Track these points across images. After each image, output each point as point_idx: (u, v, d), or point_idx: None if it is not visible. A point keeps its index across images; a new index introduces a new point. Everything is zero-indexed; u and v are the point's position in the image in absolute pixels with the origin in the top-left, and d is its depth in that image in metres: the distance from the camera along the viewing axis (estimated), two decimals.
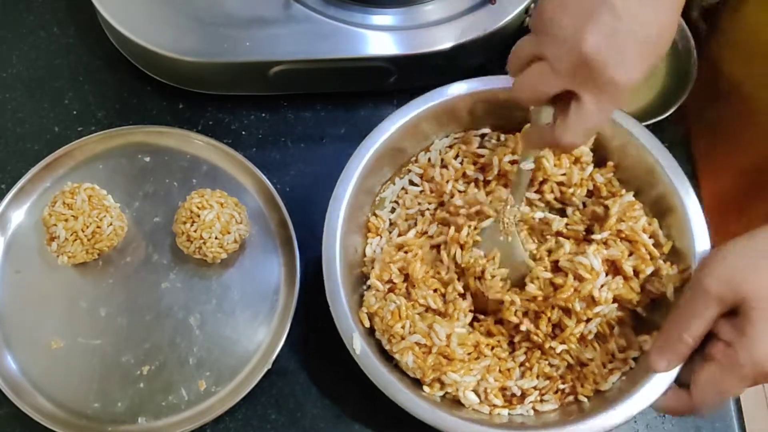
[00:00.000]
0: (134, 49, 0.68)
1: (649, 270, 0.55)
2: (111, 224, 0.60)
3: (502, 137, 0.62)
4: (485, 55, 0.67)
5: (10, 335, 0.60)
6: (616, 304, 0.55)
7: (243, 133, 0.69)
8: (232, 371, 0.59)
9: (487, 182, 0.61)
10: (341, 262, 0.56)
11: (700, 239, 0.55)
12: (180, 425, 0.57)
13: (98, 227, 0.59)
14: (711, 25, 0.70)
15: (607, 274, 0.55)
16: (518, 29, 0.70)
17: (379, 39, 0.66)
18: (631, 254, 0.56)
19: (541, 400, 0.55)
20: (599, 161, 0.60)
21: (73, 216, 0.59)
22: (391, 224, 0.62)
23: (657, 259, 0.56)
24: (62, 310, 0.61)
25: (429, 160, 0.63)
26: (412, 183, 0.63)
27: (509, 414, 0.55)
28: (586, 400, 0.55)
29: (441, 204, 0.61)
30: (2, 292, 0.61)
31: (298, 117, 0.70)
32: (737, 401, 0.60)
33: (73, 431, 0.57)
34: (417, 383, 0.55)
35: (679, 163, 0.62)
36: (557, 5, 0.46)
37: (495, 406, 0.55)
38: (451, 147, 0.63)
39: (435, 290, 0.58)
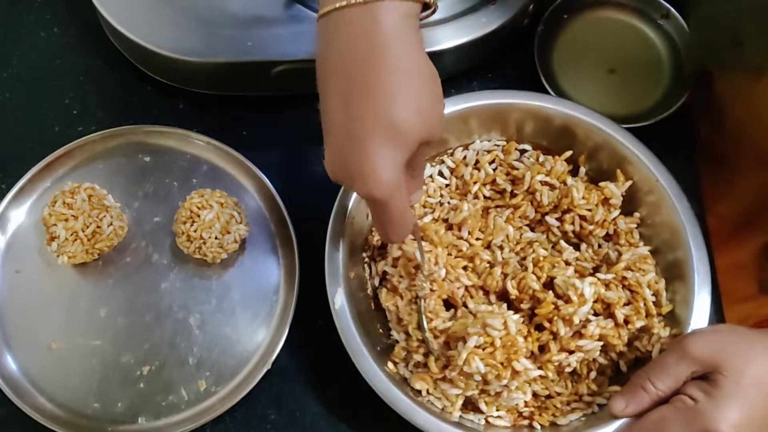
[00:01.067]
0: (134, 49, 0.68)
1: (640, 324, 0.55)
2: (111, 224, 0.60)
3: (542, 158, 0.62)
4: (485, 55, 0.67)
5: (10, 335, 0.60)
6: (601, 342, 0.55)
7: (243, 133, 0.69)
8: (232, 371, 0.59)
9: (513, 195, 0.61)
10: (349, 221, 0.56)
11: (700, 314, 0.55)
12: (180, 425, 0.57)
13: (98, 227, 0.59)
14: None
15: (598, 314, 0.56)
16: (518, 29, 0.70)
17: None
18: (627, 304, 0.56)
19: (498, 416, 0.55)
20: (628, 212, 0.60)
21: (73, 216, 0.59)
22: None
23: (653, 317, 0.56)
24: (62, 310, 0.61)
25: (465, 157, 0.63)
26: (441, 174, 0.63)
27: (461, 416, 0.55)
28: (539, 427, 0.55)
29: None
30: (2, 292, 0.61)
31: (298, 117, 0.70)
32: None
33: (73, 431, 0.57)
34: (384, 356, 0.56)
35: (682, 170, 0.61)
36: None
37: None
38: (489, 152, 0.63)
39: (464, 268, 0.58)
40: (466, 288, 0.58)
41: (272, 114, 0.70)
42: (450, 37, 0.66)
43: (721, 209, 0.67)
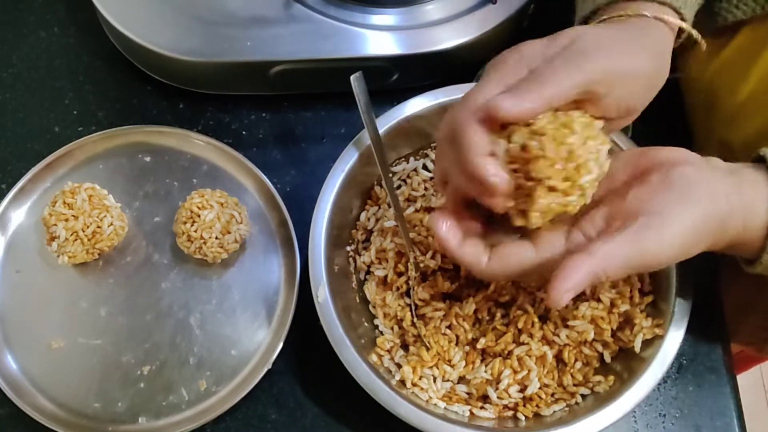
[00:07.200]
0: (134, 49, 0.68)
1: (624, 307, 0.56)
2: (111, 224, 0.60)
3: None
4: (485, 55, 0.67)
5: (10, 335, 0.60)
6: (592, 326, 0.55)
7: (243, 132, 0.69)
8: (232, 371, 0.59)
9: None
10: (331, 213, 0.57)
11: (682, 305, 0.54)
12: (180, 425, 0.57)
13: (99, 227, 0.59)
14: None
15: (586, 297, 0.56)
16: (518, 29, 0.70)
17: (379, 39, 0.66)
18: (614, 288, 0.56)
19: (482, 407, 0.56)
20: None
21: (73, 216, 0.59)
22: None
23: (635, 307, 0.56)
24: (62, 310, 0.61)
25: None
26: (425, 168, 0.63)
27: (445, 407, 0.55)
28: (523, 419, 0.55)
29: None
30: (2, 292, 0.61)
31: (298, 117, 0.70)
32: (737, 399, 0.59)
33: (73, 431, 0.57)
34: (369, 348, 0.56)
35: None
36: None
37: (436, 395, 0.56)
38: None
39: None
40: None
41: (272, 114, 0.70)
42: (450, 37, 0.66)
43: None
